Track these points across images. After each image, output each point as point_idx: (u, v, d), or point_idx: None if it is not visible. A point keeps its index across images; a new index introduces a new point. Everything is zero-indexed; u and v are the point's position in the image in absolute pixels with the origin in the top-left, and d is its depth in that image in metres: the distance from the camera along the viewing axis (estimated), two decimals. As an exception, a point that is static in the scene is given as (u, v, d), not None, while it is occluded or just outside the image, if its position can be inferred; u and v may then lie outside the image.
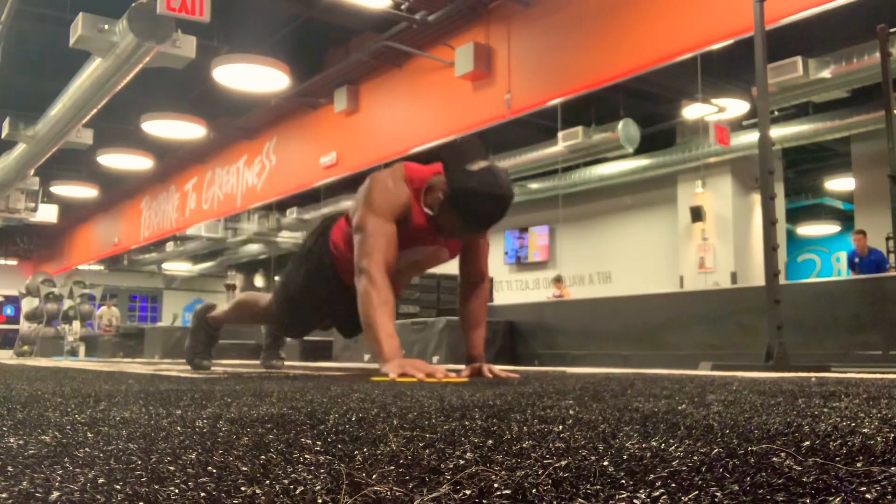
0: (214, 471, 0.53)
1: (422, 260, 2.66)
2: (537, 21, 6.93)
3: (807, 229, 15.20)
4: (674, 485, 0.48)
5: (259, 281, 20.57)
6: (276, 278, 20.58)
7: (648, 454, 0.60)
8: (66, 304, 12.99)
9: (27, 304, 14.94)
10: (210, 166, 12.45)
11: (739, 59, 6.25)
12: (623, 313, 5.36)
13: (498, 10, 7.27)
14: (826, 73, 6.68)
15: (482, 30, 7.41)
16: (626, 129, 8.41)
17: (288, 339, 3.97)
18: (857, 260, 8.04)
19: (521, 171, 10.05)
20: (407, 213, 2.42)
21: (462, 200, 2.32)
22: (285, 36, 8.33)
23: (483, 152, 2.43)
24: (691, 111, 9.22)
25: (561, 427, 0.79)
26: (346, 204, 12.32)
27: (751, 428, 0.78)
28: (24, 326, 14.46)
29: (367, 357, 5.66)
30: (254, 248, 17.33)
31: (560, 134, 8.77)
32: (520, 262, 13.55)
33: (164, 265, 20.59)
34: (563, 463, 0.55)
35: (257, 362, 3.76)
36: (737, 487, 0.47)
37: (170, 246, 17.49)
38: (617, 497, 0.45)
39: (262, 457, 0.60)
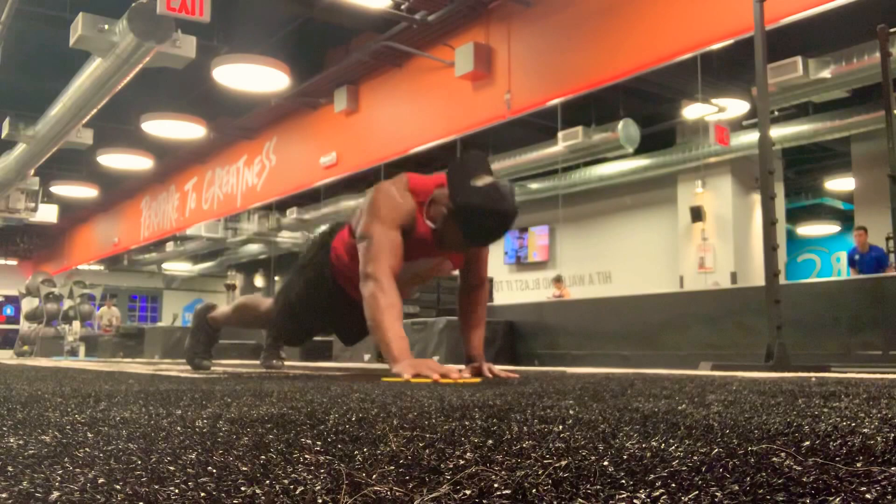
0: (214, 471, 0.53)
1: (425, 271, 2.65)
2: (537, 21, 6.93)
3: (807, 229, 15.20)
4: (674, 485, 0.48)
5: (259, 281, 20.57)
6: (276, 278, 20.62)
7: (648, 454, 0.60)
8: (66, 304, 12.99)
9: (27, 304, 14.93)
10: (210, 166, 12.45)
11: (739, 59, 6.26)
12: (623, 313, 5.36)
13: (498, 10, 7.27)
14: (826, 73, 6.68)
15: (482, 30, 7.41)
16: (626, 129, 8.41)
17: None
18: (857, 257, 8.03)
19: (521, 171, 10.04)
20: (412, 223, 2.41)
21: (465, 216, 2.29)
22: (285, 36, 8.33)
23: (488, 167, 2.39)
24: (691, 111, 9.22)
25: (561, 427, 0.79)
26: (347, 204, 12.34)
27: (751, 428, 0.78)
28: (24, 326, 14.46)
29: (367, 357, 5.67)
30: (254, 248, 17.33)
31: (560, 134, 8.77)
32: (520, 262, 13.56)
33: (164, 265, 20.60)
34: (563, 463, 0.55)
35: (257, 362, 3.76)
36: (737, 487, 0.47)
37: (170, 246, 17.49)
38: (617, 497, 0.45)
39: (262, 457, 0.60)
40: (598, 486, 0.48)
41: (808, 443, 0.66)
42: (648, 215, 11.76)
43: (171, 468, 0.54)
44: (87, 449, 0.64)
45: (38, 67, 9.27)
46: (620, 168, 10.49)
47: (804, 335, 4.07)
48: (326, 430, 0.78)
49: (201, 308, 3.38)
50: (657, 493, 0.46)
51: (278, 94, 9.18)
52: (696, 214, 10.18)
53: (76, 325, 11.99)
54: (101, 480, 0.49)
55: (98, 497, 0.45)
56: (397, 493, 0.46)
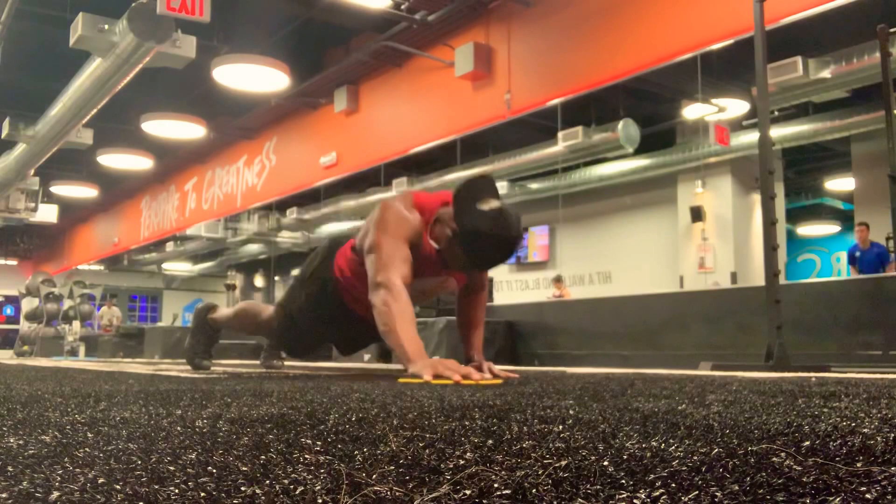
0: (214, 471, 0.53)
1: (429, 289, 2.63)
2: (537, 21, 6.93)
3: (807, 229, 15.20)
4: (674, 485, 0.48)
5: (259, 281, 20.57)
6: (276, 278, 20.61)
7: (648, 454, 0.60)
8: (66, 304, 12.99)
9: (27, 304, 14.94)
10: (210, 166, 12.46)
11: (739, 59, 6.25)
12: (623, 313, 5.36)
13: (498, 10, 7.27)
14: (826, 73, 6.68)
15: (482, 30, 7.41)
16: (626, 129, 8.41)
17: None
18: (858, 254, 8.01)
19: (521, 171, 10.04)
20: (418, 240, 2.40)
21: (469, 240, 2.28)
22: (285, 36, 8.33)
23: (494, 190, 2.37)
24: (691, 111, 9.22)
25: (561, 427, 0.79)
26: (347, 204, 12.34)
27: (751, 428, 0.78)
28: (24, 326, 14.46)
29: (367, 357, 5.67)
30: (254, 248, 17.33)
31: (560, 134, 8.77)
32: (520, 262, 13.56)
33: (164, 265, 20.59)
34: (563, 463, 0.55)
35: (257, 362, 3.76)
36: (737, 487, 0.47)
37: (170, 246, 17.49)
38: (617, 497, 0.45)
39: (262, 457, 0.60)
40: (598, 486, 0.48)
41: (808, 443, 0.66)
42: (648, 215, 11.76)
43: (171, 468, 0.54)
44: (87, 449, 0.64)
45: (38, 67, 9.27)
46: (620, 168, 10.49)
47: (804, 335, 4.07)
48: (326, 430, 0.78)
49: (202, 308, 3.37)
50: (657, 493, 0.46)
51: (278, 94, 9.18)
52: (696, 214, 10.18)
53: (76, 325, 12.00)
54: (101, 480, 0.49)
55: (98, 497, 0.45)
56: (397, 493, 0.46)
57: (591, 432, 0.74)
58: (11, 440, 0.70)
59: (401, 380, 2.00)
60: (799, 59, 6.60)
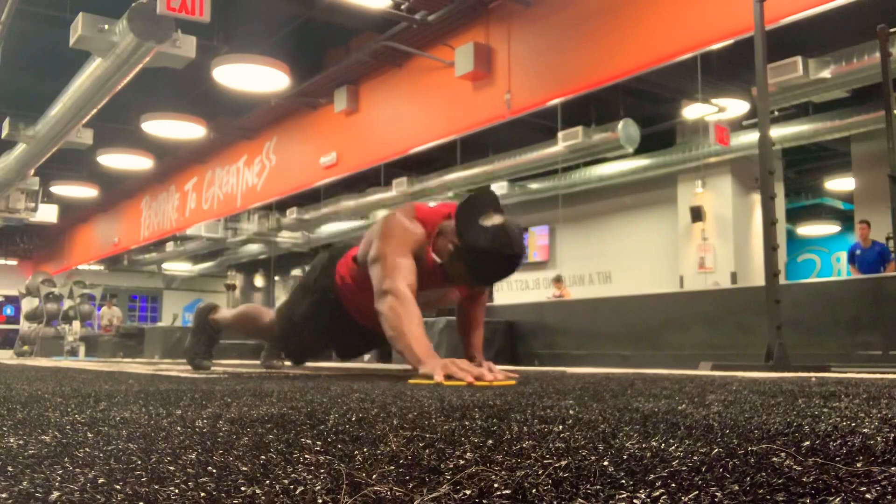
0: (214, 471, 0.53)
1: (432, 300, 2.63)
2: (537, 21, 6.93)
3: (807, 229, 15.20)
4: (674, 485, 0.48)
5: (259, 281, 20.57)
6: (276, 278, 20.59)
7: (648, 454, 0.60)
8: (66, 304, 12.99)
9: (27, 304, 14.94)
10: (210, 166, 12.45)
11: (739, 59, 6.25)
12: (623, 313, 5.36)
13: (498, 10, 7.27)
14: (826, 73, 6.68)
15: (482, 30, 7.41)
16: (626, 129, 8.41)
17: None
18: (858, 252, 8.00)
19: (521, 171, 10.04)
20: (421, 252, 2.39)
21: (471, 257, 2.27)
22: (285, 36, 8.33)
23: (498, 205, 2.36)
24: (691, 111, 9.22)
25: (561, 427, 0.79)
26: (347, 204, 12.34)
27: (751, 428, 0.78)
28: (24, 326, 14.47)
29: (367, 357, 5.66)
30: (254, 248, 17.33)
31: (560, 134, 8.77)
32: (520, 262, 13.54)
33: (164, 265, 20.59)
34: (563, 463, 0.55)
35: (257, 362, 3.76)
36: (737, 487, 0.47)
37: (170, 246, 17.49)
38: (617, 497, 0.45)
39: (262, 457, 0.60)
40: (598, 486, 0.48)
41: (808, 443, 0.66)
42: (648, 215, 11.76)
43: (171, 468, 0.54)
44: (87, 449, 0.64)
45: (38, 67, 9.27)
46: (620, 168, 10.49)
47: (804, 335, 4.07)
48: (326, 430, 0.78)
49: (203, 308, 3.37)
50: (657, 493, 0.46)
51: (278, 94, 9.18)
52: (696, 214, 10.18)
53: (76, 325, 12.00)
54: (101, 480, 0.49)
55: (98, 497, 0.45)
56: (397, 493, 0.46)
57: (591, 432, 0.74)
58: (11, 440, 0.70)
59: (412, 381, 1.96)
60: (799, 59, 6.60)
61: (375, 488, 0.47)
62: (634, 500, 0.45)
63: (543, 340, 5.67)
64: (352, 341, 2.91)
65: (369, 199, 12.01)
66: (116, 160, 11.64)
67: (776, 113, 8.78)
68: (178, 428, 0.80)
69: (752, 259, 9.97)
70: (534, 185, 11.47)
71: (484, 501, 0.45)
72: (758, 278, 5.52)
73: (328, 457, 0.60)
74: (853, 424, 0.80)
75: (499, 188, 11.20)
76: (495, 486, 0.47)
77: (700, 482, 0.49)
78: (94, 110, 7.78)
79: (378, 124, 8.88)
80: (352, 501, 0.44)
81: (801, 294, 4.36)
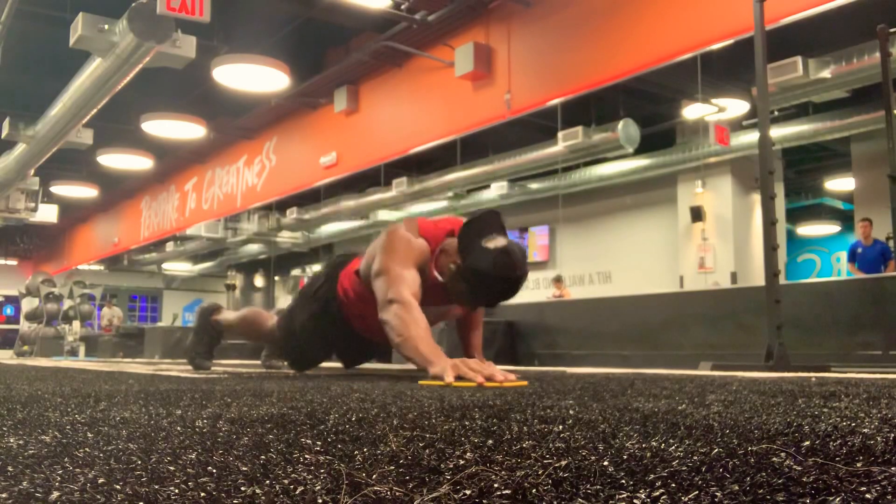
0: (214, 471, 0.53)
1: (434, 317, 2.63)
2: (537, 21, 6.93)
3: (807, 229, 15.20)
4: (674, 485, 0.48)
5: (259, 281, 20.57)
6: (276, 278, 20.57)
7: (648, 454, 0.60)
8: (66, 304, 12.99)
9: (27, 304, 14.94)
10: (210, 166, 12.45)
11: (739, 59, 6.24)
12: (623, 313, 5.36)
13: (498, 10, 7.27)
14: (826, 73, 6.68)
15: (482, 30, 7.41)
16: (626, 129, 8.41)
17: None
18: (860, 250, 7.99)
19: (521, 171, 10.04)
20: (425, 267, 2.38)
21: (473, 279, 2.27)
22: (285, 36, 8.33)
23: (501, 226, 2.36)
24: (691, 111, 9.22)
25: (561, 427, 0.79)
26: (347, 204, 12.34)
27: (751, 428, 0.78)
28: (24, 326, 14.47)
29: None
30: (254, 248, 17.34)
31: (560, 134, 8.77)
32: (520, 262, 13.54)
33: (164, 265, 20.59)
34: (563, 463, 0.55)
35: (258, 362, 3.76)
36: (737, 487, 0.47)
37: (170, 246, 17.49)
38: (617, 497, 0.45)
39: (262, 457, 0.60)
40: (598, 486, 0.48)
41: (808, 443, 0.66)
42: (648, 215, 11.76)
43: (171, 468, 0.54)
44: (87, 449, 0.64)
45: (38, 67, 9.27)
46: (620, 168, 10.49)
47: (804, 335, 4.07)
48: (326, 430, 0.78)
49: (205, 308, 3.37)
50: (657, 493, 0.46)
51: (278, 94, 9.18)
52: (696, 214, 10.18)
53: (76, 325, 12.00)
54: (101, 480, 0.49)
55: (98, 497, 0.45)
56: (397, 493, 0.46)
57: (591, 432, 0.74)
58: (11, 440, 0.70)
59: (422, 382, 1.93)
60: (799, 59, 6.60)
61: (375, 488, 0.47)
62: (634, 500, 0.45)
63: (543, 340, 5.67)
64: (353, 351, 2.92)
65: (369, 199, 12.01)
66: (116, 160, 11.64)
67: (776, 113, 8.78)
68: (178, 428, 0.80)
69: (752, 259, 9.97)
70: (534, 185, 11.47)
71: (484, 501, 0.45)
72: (758, 278, 5.52)
73: (328, 457, 0.60)
74: (853, 424, 0.80)
75: (499, 188, 11.21)
76: (495, 486, 0.47)
77: (700, 482, 0.49)
78: (94, 110, 7.78)
79: (378, 124, 8.88)
80: (352, 501, 0.44)
81: (801, 294, 4.36)
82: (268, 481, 0.49)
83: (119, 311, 15.31)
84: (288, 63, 7.91)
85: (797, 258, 14.68)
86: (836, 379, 2.03)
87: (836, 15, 5.06)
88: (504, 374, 1.86)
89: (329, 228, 14.82)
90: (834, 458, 0.56)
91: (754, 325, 4.19)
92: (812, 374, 2.48)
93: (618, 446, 0.64)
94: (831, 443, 0.65)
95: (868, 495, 0.45)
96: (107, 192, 14.56)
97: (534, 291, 12.98)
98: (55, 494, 0.45)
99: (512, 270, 2.24)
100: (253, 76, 8.06)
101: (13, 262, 21.41)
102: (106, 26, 6.16)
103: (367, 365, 3.41)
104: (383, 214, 13.09)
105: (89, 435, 0.74)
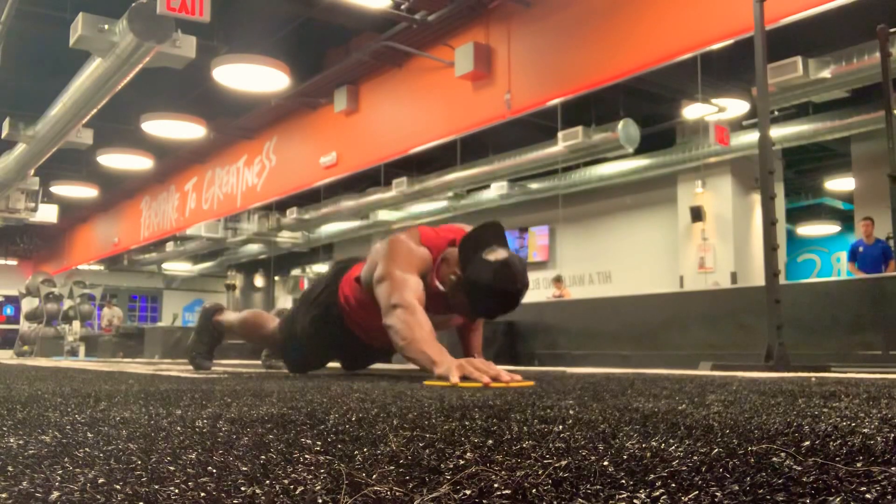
0: (214, 471, 0.53)
1: (434, 325, 2.64)
2: (537, 21, 6.93)
3: (807, 229, 15.20)
4: (674, 485, 0.48)
5: (259, 281, 20.57)
6: (276, 278, 20.56)
7: (648, 454, 0.60)
8: (66, 304, 13.00)
9: (27, 304, 14.94)
10: (210, 166, 12.45)
11: (739, 59, 6.25)
12: (623, 313, 5.36)
13: (498, 10, 7.27)
14: (826, 73, 6.68)
15: (482, 30, 7.41)
16: (626, 129, 8.41)
17: None
18: (861, 249, 7.99)
19: (521, 171, 10.05)
20: (427, 274, 2.37)
21: (474, 291, 2.26)
22: (285, 36, 8.33)
23: (503, 238, 2.36)
24: (691, 111, 9.22)
25: (561, 427, 0.79)
26: (347, 204, 12.34)
27: (751, 428, 0.78)
28: (24, 326, 14.47)
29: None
30: (254, 248, 17.34)
31: (560, 134, 8.77)
32: (520, 262, 13.54)
33: (164, 265, 20.59)
34: (563, 463, 0.55)
35: (258, 362, 3.76)
36: (737, 487, 0.47)
37: (170, 246, 17.49)
38: (617, 497, 0.45)
39: (262, 457, 0.60)
40: (598, 486, 0.48)
41: (808, 443, 0.66)
42: (648, 215, 11.76)
43: (171, 468, 0.54)
44: (87, 449, 0.64)
45: (38, 67, 9.26)
46: (620, 168, 10.49)
47: (804, 335, 4.07)
48: (326, 430, 0.78)
49: (208, 308, 3.37)
50: (657, 493, 0.46)
51: (278, 94, 9.18)
52: (696, 214, 10.18)
53: (76, 325, 12.00)
54: (101, 480, 0.49)
55: (98, 497, 0.45)
56: (397, 493, 0.46)
57: (591, 432, 0.74)
58: (11, 440, 0.70)
59: (427, 382, 1.92)
60: (799, 59, 6.60)
61: (375, 488, 0.47)
62: (634, 500, 0.45)
63: (543, 340, 5.67)
64: (353, 356, 2.93)
65: (369, 199, 12.01)
66: (116, 160, 11.64)
67: (776, 113, 8.78)
68: (178, 428, 0.80)
69: (752, 259, 9.97)
70: (534, 185, 11.47)
71: (484, 501, 0.45)
72: (758, 278, 5.52)
73: (328, 457, 0.60)
74: (853, 424, 0.80)
75: (499, 188, 11.21)
76: (495, 486, 0.47)
77: (700, 482, 0.49)
78: (94, 110, 7.78)
79: (378, 124, 8.88)
80: (352, 501, 0.44)
81: (801, 294, 4.36)
82: (268, 481, 0.49)
83: (119, 311, 15.31)
84: (288, 63, 7.91)
85: (797, 258, 14.68)
86: (836, 379, 2.03)
87: (836, 15, 5.06)
88: (510, 375, 1.84)
89: (329, 228, 14.82)
90: (834, 458, 0.56)
91: (754, 325, 4.19)
92: (812, 374, 2.48)
93: (618, 446, 0.64)
94: (831, 443, 0.65)
95: (868, 495, 0.45)
96: (107, 192, 14.56)
97: (534, 291, 12.98)
98: (55, 494, 0.45)
99: (512, 284, 2.24)
100: (253, 76, 8.06)
101: (13, 262, 21.41)
102: (106, 26, 6.16)
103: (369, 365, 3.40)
104: (383, 214, 13.10)
105: (89, 435, 0.74)
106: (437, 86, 7.95)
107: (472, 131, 7.79)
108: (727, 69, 7.87)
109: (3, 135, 9.25)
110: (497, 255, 2.24)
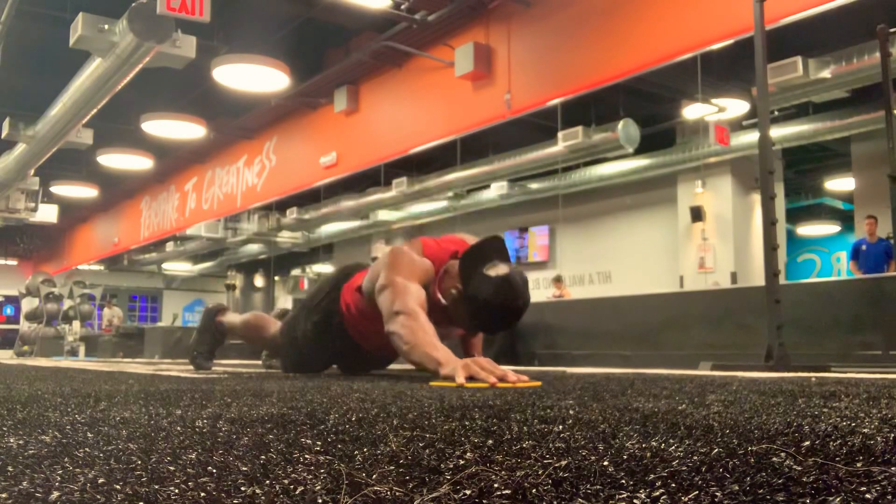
0: (214, 471, 0.53)
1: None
2: (537, 21, 6.93)
3: (807, 229, 15.20)
4: (674, 485, 0.48)
5: (259, 281, 20.57)
6: (276, 278, 20.55)
7: (648, 454, 0.60)
8: (66, 304, 13.00)
9: (27, 304, 14.94)
10: (210, 166, 12.46)
11: (739, 59, 6.26)
12: (623, 313, 5.36)
13: (498, 10, 7.27)
14: (826, 73, 6.68)
15: (482, 30, 7.41)
16: (626, 129, 8.41)
17: None
18: (864, 247, 7.98)
19: (521, 171, 10.05)
20: (429, 286, 2.36)
21: (475, 307, 2.26)
22: (285, 36, 8.33)
23: (504, 253, 2.34)
24: (691, 111, 9.22)
25: (561, 427, 0.79)
26: (347, 204, 12.34)
27: (751, 428, 0.78)
28: (24, 326, 14.47)
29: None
30: (254, 248, 17.34)
31: (560, 134, 8.77)
32: (520, 262, 13.55)
33: (164, 265, 20.60)
34: (563, 463, 0.55)
35: (258, 362, 3.76)
36: (737, 487, 0.47)
37: (170, 246, 17.50)
38: (617, 497, 0.45)
39: (262, 457, 0.60)
40: (598, 486, 0.48)
41: (808, 443, 0.66)
42: (648, 215, 11.76)
43: (171, 468, 0.54)
44: (87, 449, 0.64)
45: (38, 67, 9.26)
46: (620, 168, 10.49)
47: (804, 335, 4.07)
48: (326, 430, 0.78)
49: (211, 309, 3.38)
50: (657, 493, 0.46)
51: (278, 94, 9.18)
52: (696, 214, 10.18)
53: (76, 325, 12.00)
54: (101, 480, 0.49)
55: (98, 497, 0.45)
56: (397, 493, 0.46)
57: (591, 432, 0.74)
58: (11, 440, 0.70)
59: (433, 383, 1.91)
60: (799, 59, 6.60)
61: (375, 488, 0.47)
62: (634, 500, 0.45)
63: (543, 340, 5.67)
64: (353, 361, 2.93)
65: (369, 199, 12.01)
66: (116, 160, 11.64)
67: (776, 113, 8.78)
68: (178, 428, 0.80)
69: (752, 259, 9.97)
70: (534, 185, 11.47)
71: (484, 501, 0.45)
72: (758, 278, 5.52)
73: (328, 457, 0.60)
74: (853, 424, 0.80)
75: (499, 188, 11.21)
76: (495, 486, 0.47)
77: (700, 482, 0.49)
78: (94, 110, 7.78)
79: (378, 124, 8.88)
80: (352, 501, 0.44)
81: (801, 294, 4.36)
82: (268, 481, 0.49)
83: (119, 311, 15.32)
84: (288, 63, 7.91)
85: (797, 258, 14.68)
86: (836, 379, 2.03)
87: (836, 15, 5.06)
88: (517, 375, 1.83)
89: (329, 228, 14.82)
90: (834, 458, 0.56)
91: (754, 325, 4.19)
92: (812, 374, 2.48)
93: (618, 446, 0.64)
94: (831, 443, 0.65)
95: (868, 495, 0.45)
96: (107, 192, 14.56)
97: (534, 291, 12.95)
98: (55, 494, 0.45)
99: (513, 300, 2.23)
100: (253, 76, 8.06)
101: (13, 262, 21.41)
102: (106, 26, 6.16)
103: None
104: (383, 214, 13.10)
105: (89, 435, 0.74)
106: (437, 86, 7.96)
107: (472, 131, 7.79)
108: (727, 69, 7.88)
109: (3, 135, 9.25)
110: (498, 270, 2.23)
